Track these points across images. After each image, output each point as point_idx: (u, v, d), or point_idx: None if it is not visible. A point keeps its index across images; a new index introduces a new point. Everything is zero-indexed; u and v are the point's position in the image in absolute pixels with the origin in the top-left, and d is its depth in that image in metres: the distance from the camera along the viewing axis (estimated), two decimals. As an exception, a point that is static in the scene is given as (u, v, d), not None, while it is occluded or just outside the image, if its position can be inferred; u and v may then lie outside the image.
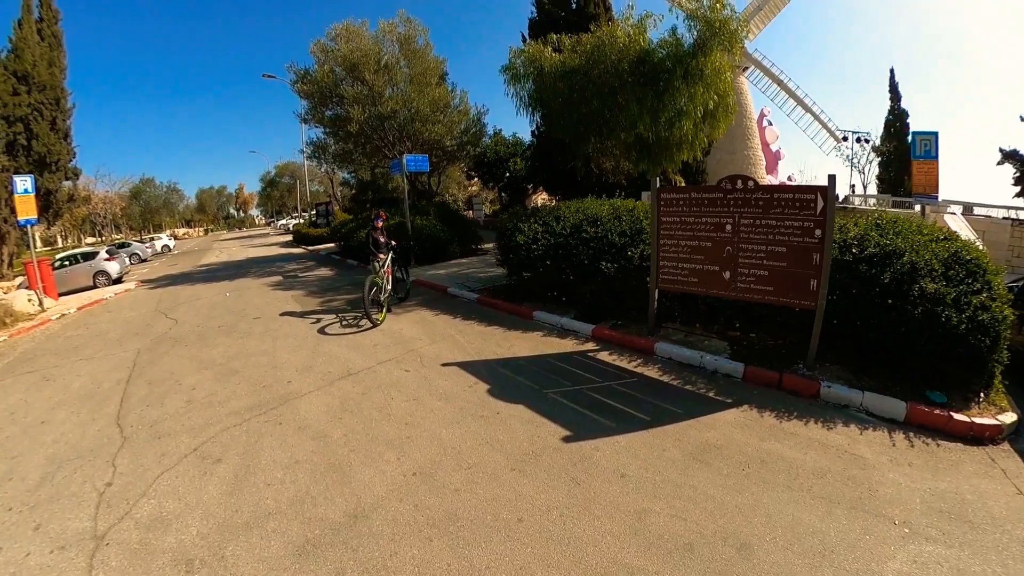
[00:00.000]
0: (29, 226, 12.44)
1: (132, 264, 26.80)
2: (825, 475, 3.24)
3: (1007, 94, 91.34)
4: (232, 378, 5.74)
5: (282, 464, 3.72)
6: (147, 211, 64.10)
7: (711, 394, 4.54)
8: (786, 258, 4.67)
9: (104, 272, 17.18)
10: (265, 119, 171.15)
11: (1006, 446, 3.61)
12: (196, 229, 79.78)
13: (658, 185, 5.67)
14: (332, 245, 22.20)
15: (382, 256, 8.19)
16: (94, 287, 16.74)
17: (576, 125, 10.16)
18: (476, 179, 29.29)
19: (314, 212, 30.78)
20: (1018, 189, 23.58)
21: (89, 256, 17.62)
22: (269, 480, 3.53)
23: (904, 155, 27.31)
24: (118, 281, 17.61)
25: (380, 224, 8.48)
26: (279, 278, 14.04)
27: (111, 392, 5.77)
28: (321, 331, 7.52)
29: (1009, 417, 3.81)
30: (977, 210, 15.13)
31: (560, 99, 9.97)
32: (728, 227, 5.04)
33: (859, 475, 3.24)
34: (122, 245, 28.69)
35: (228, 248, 31.48)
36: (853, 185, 31.55)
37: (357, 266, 15.09)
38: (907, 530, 2.71)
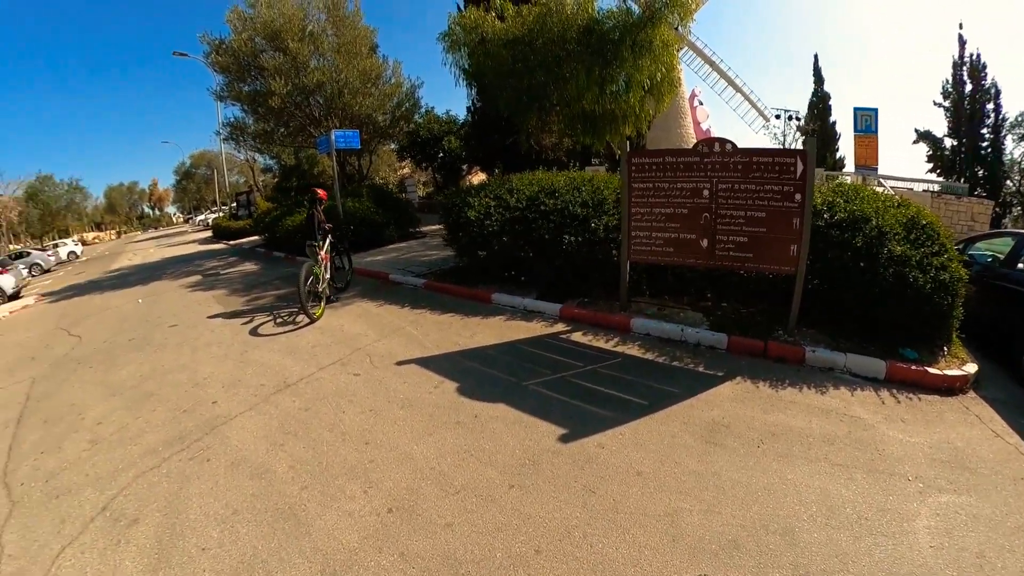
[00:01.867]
0: None
1: (33, 276, 23.43)
2: (834, 441, 3.13)
3: (922, 78, 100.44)
4: (146, 404, 4.69)
5: (217, 517, 2.90)
6: (47, 214, 55.78)
7: (701, 368, 4.18)
8: (766, 223, 4.40)
9: None
10: (178, 105, 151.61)
11: (972, 394, 3.79)
12: (107, 232, 71.58)
13: (628, 150, 5.15)
14: (256, 238, 20.14)
15: (319, 241, 7.20)
16: None
17: (519, 97, 9.57)
18: (408, 160, 27.60)
19: (234, 203, 27.78)
20: (930, 166, 26.10)
21: None
22: (203, 542, 2.72)
23: (826, 134, 29.66)
24: (15, 297, 15.03)
25: (320, 203, 7.52)
26: (198, 277, 12.37)
27: (-7, 439, 4.59)
28: (249, 334, 6.47)
29: (972, 368, 3.95)
30: (893, 183, 16.04)
31: (503, 69, 9.33)
32: (705, 193, 4.65)
33: (864, 437, 3.18)
34: (19, 255, 24.82)
35: (143, 250, 28.09)
36: None
37: (285, 258, 13.57)
38: (921, 485, 2.73)
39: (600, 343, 4.87)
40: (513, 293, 6.54)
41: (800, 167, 4.21)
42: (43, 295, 14.78)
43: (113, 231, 72.53)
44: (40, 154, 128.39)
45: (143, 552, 2.72)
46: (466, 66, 9.85)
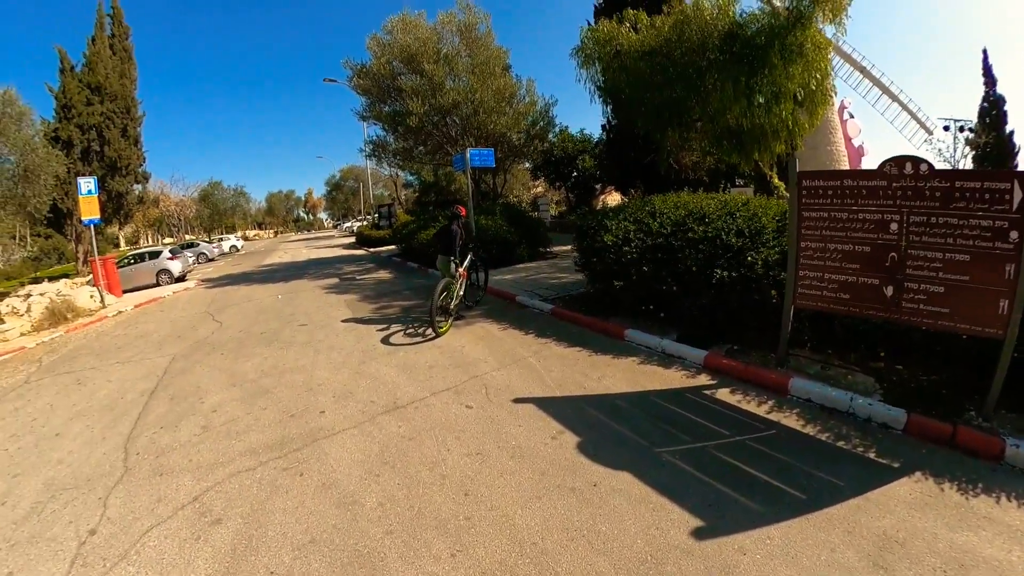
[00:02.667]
0: (92, 225, 12.65)
1: (199, 263, 28.28)
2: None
3: None
4: (259, 400, 4.93)
5: (294, 542, 2.74)
6: (216, 213, 67.97)
7: (872, 455, 3.20)
8: (969, 269, 3.37)
9: (166, 270, 17.78)
10: (330, 124, 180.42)
11: None
12: (266, 231, 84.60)
13: (796, 169, 4.30)
14: (393, 247, 21.92)
15: (458, 258, 7.41)
16: (157, 284, 17.37)
17: (658, 113, 9.17)
18: (542, 179, 28.14)
19: (376, 214, 30.81)
20: None
21: (154, 255, 18.36)
22: (273, 566, 2.57)
23: (1001, 147, 24.57)
24: (181, 279, 18.20)
25: (460, 220, 7.74)
26: (335, 280, 13.61)
27: (131, 405, 5.19)
28: (371, 343, 6.67)
29: None
30: None
31: (640, 83, 9.05)
32: (893, 226, 3.67)
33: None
34: (189, 245, 30.22)
35: (293, 249, 32.37)
36: None
37: (417, 269, 14.45)
38: None
39: (751, 406, 4.00)
40: (650, 331, 5.85)
41: (1019, 195, 3.10)
42: (202, 280, 17.49)
43: (272, 231, 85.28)
44: (213, 164, 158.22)
45: (216, 556, 2.70)
46: (600, 81, 9.66)
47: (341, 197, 77.88)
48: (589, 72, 9.75)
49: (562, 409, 4.18)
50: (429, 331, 6.70)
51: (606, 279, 6.66)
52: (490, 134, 17.51)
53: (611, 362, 5.25)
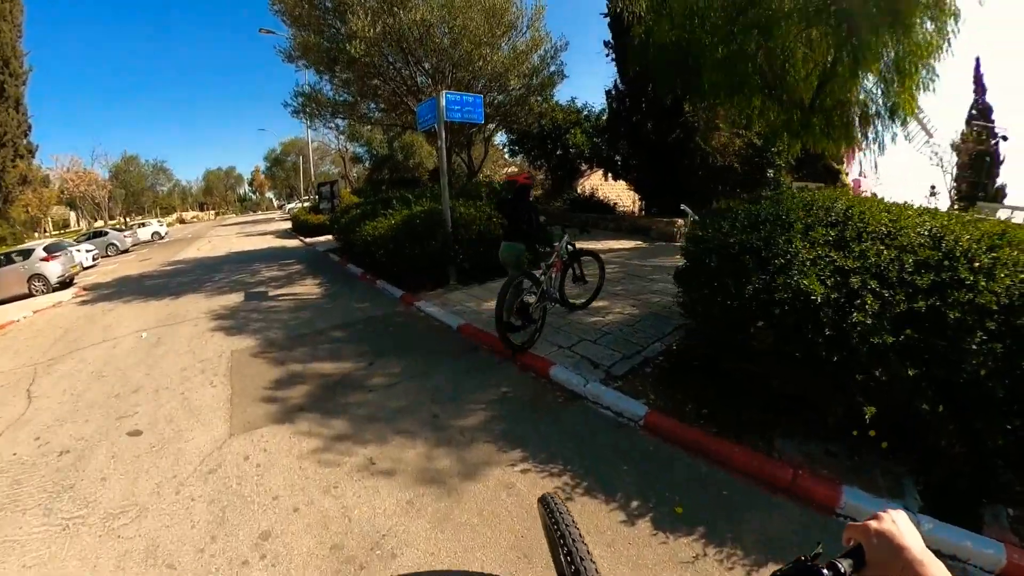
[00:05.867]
0: None
1: (108, 255, 23.20)
2: None
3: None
4: None
5: None
6: (130, 193, 59.96)
7: None
8: None
9: (39, 275, 13.45)
10: (278, 91, 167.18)
11: None
12: (208, 212, 77.11)
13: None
14: (333, 238, 17.48)
15: (548, 247, 5.72)
16: (29, 295, 13.13)
17: (730, 70, 7.87)
18: (520, 156, 24.05)
19: (317, 194, 25.68)
20: None
21: (24, 255, 13.88)
22: None
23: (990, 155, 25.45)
24: (66, 285, 14.00)
25: (529, 189, 5.77)
26: (238, 299, 9.24)
27: None
28: (249, 518, 2.97)
29: None
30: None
31: (703, 24, 7.97)
32: None
33: None
34: (96, 234, 25.04)
35: (222, 237, 27.33)
36: (933, 185, 27.86)
37: (361, 278, 10.28)
38: None
39: None
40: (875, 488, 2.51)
41: None
42: (86, 289, 13.09)
43: (213, 211, 77.88)
44: (149, 141, 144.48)
45: None
46: (637, 18, 9.02)
47: (281, 174, 70.97)
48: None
49: None
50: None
51: (790, 368, 3.14)
52: (479, 75, 12.68)
53: None
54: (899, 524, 0.79)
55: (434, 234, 8.31)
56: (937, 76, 7.20)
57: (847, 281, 2.98)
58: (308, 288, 9.87)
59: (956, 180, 27.74)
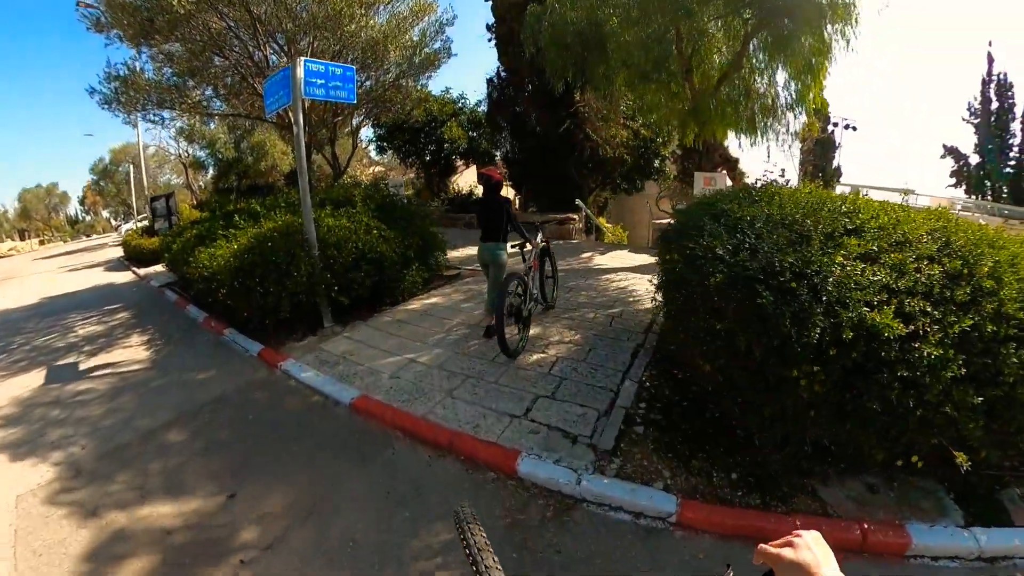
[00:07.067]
0: None
1: None
2: None
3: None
4: None
5: None
6: None
7: None
8: None
9: None
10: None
11: None
12: (30, 240, 63.30)
13: None
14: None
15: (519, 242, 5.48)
16: None
17: (646, 54, 7.65)
18: (391, 153, 22.08)
19: (151, 211, 20.84)
20: (953, 181, 27.09)
21: None
22: None
23: (826, 140, 27.81)
24: None
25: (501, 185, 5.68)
26: (38, 381, 6.41)
27: None
28: None
29: None
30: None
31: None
32: None
33: None
34: None
35: (41, 272, 20.84)
36: (784, 169, 32.23)
37: (204, 324, 7.95)
38: None
39: None
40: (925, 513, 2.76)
41: None
42: None
43: (36, 239, 64.16)
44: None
45: None
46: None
47: (112, 188, 60.36)
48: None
49: None
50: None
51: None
52: (348, 46, 10.31)
53: None
54: (814, 550, 0.73)
55: (295, 260, 6.31)
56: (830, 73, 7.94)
57: (902, 306, 2.59)
58: (134, 352, 7.28)
59: (802, 164, 31.43)
